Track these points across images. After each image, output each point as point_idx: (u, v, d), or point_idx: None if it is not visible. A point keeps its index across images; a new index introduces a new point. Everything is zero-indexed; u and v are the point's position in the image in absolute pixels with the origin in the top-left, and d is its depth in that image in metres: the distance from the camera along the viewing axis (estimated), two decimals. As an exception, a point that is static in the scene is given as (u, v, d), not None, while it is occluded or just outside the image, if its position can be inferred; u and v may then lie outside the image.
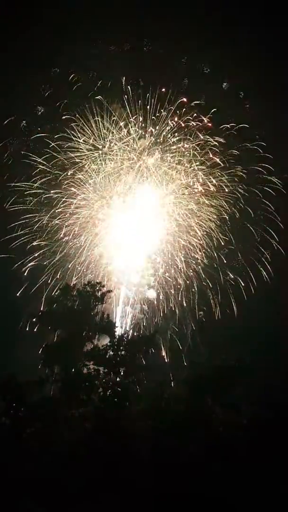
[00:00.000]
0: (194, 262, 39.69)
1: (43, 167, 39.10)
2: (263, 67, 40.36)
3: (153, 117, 38.72)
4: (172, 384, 26.73)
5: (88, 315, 26.60)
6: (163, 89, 38.10)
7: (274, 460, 22.34)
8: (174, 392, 25.59)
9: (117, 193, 39.56)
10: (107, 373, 25.04)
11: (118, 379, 25.24)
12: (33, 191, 39.20)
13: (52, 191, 39.35)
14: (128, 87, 38.26)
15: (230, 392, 25.24)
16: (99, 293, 27.28)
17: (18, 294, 37.66)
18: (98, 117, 38.42)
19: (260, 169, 39.42)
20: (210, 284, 39.27)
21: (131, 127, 38.93)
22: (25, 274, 38.37)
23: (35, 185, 39.16)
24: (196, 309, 39.21)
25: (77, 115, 38.53)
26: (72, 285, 27.78)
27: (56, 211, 39.31)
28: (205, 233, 39.51)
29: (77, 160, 39.16)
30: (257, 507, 21.10)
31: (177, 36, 40.02)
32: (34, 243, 38.97)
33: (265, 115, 39.90)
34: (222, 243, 39.37)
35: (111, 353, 25.67)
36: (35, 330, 28.07)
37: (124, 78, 38.42)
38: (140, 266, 39.98)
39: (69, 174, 39.28)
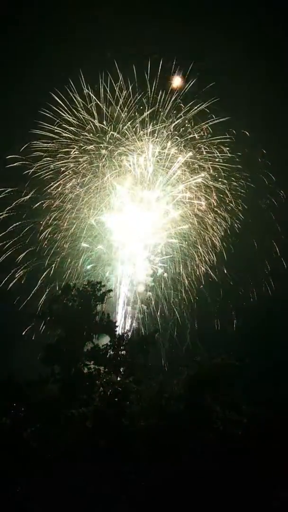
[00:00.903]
0: (193, 265, 39.90)
1: (39, 170, 39.31)
2: (262, 72, 40.82)
3: (151, 121, 39.11)
4: (172, 383, 26.68)
5: (88, 315, 26.66)
6: (160, 94, 38.54)
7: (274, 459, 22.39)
8: (174, 391, 25.59)
9: (116, 196, 39.80)
10: (107, 373, 25.08)
11: (118, 378, 25.26)
12: (30, 196, 39.40)
13: (48, 196, 39.57)
14: (124, 91, 38.63)
15: (230, 391, 25.29)
16: (99, 293, 27.37)
17: (17, 295, 37.69)
18: (96, 121, 38.78)
19: (262, 176, 39.78)
20: (210, 289, 39.53)
21: (128, 132, 39.26)
22: (24, 277, 38.45)
23: (33, 190, 39.39)
24: (195, 312, 39.37)
25: (73, 119, 38.87)
26: (72, 285, 27.77)
27: (54, 214, 39.53)
28: (205, 239, 39.76)
29: (74, 164, 39.46)
30: (256, 506, 21.10)
31: (174, 40, 40.54)
32: (32, 247, 39.08)
33: (265, 121, 40.27)
34: (223, 251, 39.59)
35: (112, 352, 25.76)
36: (34, 331, 28.12)
37: (121, 82, 38.78)
38: (139, 267, 40.13)
39: (67, 177, 39.55)
